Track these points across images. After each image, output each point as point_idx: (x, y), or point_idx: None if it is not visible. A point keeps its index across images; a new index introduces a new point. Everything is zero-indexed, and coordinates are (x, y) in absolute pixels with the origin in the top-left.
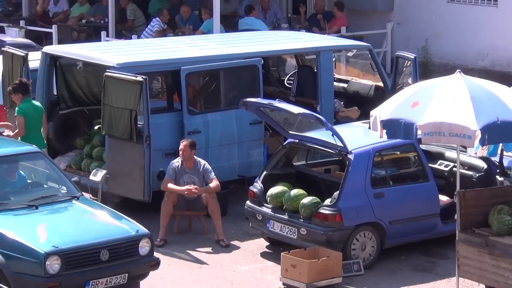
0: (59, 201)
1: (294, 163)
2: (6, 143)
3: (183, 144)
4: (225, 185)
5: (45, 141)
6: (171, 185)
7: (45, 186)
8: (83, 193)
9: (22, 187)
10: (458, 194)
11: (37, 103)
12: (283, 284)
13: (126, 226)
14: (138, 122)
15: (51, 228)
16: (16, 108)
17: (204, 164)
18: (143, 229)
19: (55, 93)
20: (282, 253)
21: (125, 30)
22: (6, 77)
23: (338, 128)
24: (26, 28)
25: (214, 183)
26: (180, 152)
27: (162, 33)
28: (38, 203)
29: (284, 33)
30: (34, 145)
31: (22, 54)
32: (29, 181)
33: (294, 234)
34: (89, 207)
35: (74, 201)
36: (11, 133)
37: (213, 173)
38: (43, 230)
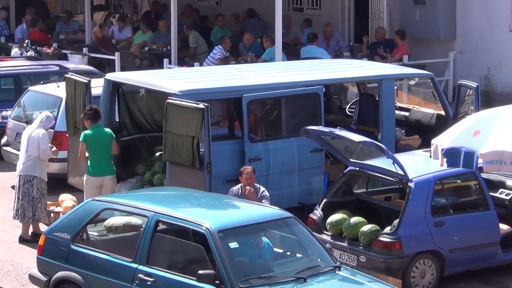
0: (324, 272)
1: (354, 191)
2: (255, 209)
3: (247, 171)
4: None
5: (114, 167)
6: None
7: (301, 254)
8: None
9: (280, 256)
10: None
11: (107, 129)
12: None
13: None
14: (200, 149)
15: None
16: (81, 134)
17: (264, 191)
18: None
19: (117, 119)
20: None
21: (187, 58)
22: (69, 103)
23: (399, 156)
24: (89, 55)
25: None
26: (246, 179)
27: (224, 61)
28: (305, 275)
29: (346, 61)
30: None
31: (85, 81)
32: (282, 249)
33: (353, 262)
34: (358, 279)
35: (338, 272)
36: (54, 148)
37: (269, 201)
38: None
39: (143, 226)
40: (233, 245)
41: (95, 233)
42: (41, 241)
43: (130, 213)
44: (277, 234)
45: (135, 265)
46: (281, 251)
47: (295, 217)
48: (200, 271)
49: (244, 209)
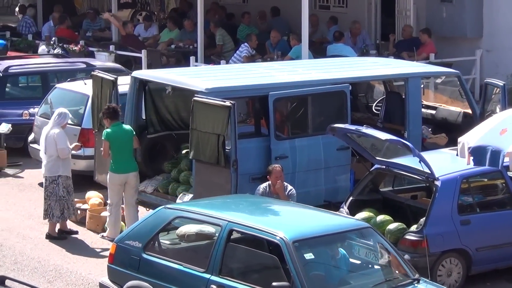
0: (402, 285)
1: (381, 189)
2: (331, 218)
3: (276, 169)
4: None
5: (136, 164)
6: None
7: (378, 266)
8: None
9: (357, 268)
10: None
11: (127, 126)
12: None
13: None
14: (226, 147)
15: None
16: (103, 132)
17: (291, 190)
18: None
19: (143, 117)
20: None
21: (214, 55)
22: (96, 101)
23: (426, 155)
24: (116, 52)
25: None
26: (276, 178)
27: (250, 59)
28: None
29: (372, 59)
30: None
31: (112, 79)
32: (358, 261)
33: None
34: None
35: (416, 284)
36: (74, 144)
37: (295, 199)
38: None
39: (216, 235)
40: (309, 256)
41: (167, 242)
42: (112, 249)
43: (203, 222)
44: (353, 244)
45: (207, 276)
46: (358, 262)
47: (372, 227)
48: (274, 283)
49: (320, 218)
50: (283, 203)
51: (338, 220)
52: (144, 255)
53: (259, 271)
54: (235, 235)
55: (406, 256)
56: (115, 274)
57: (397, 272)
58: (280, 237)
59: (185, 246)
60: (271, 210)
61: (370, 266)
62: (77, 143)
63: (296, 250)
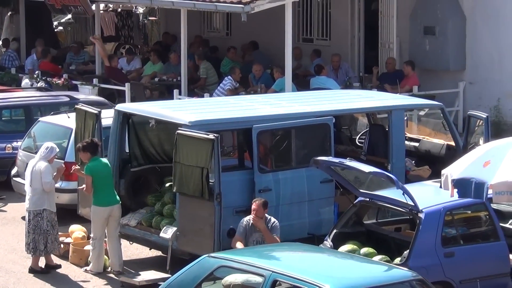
0: None
1: (364, 222)
2: (380, 269)
3: (256, 203)
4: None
5: (118, 197)
6: (239, 245)
7: None
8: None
9: None
10: None
11: (105, 160)
12: None
13: None
14: (210, 180)
15: None
16: (85, 167)
17: (274, 222)
18: None
19: (127, 150)
20: None
21: (197, 89)
22: (79, 134)
23: (409, 187)
24: (99, 86)
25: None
26: (253, 212)
27: (234, 92)
28: None
29: (355, 92)
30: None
31: (95, 112)
32: None
33: None
34: None
35: None
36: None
37: (278, 232)
38: None
39: (262, 285)
40: None
41: None
42: None
43: (246, 271)
44: None
45: None
46: None
47: (425, 279)
48: None
49: (367, 268)
50: (329, 251)
51: (388, 270)
52: None
53: None
54: (279, 285)
55: None
56: None
57: None
58: None
59: None
60: (318, 259)
61: None
62: (62, 165)
63: None
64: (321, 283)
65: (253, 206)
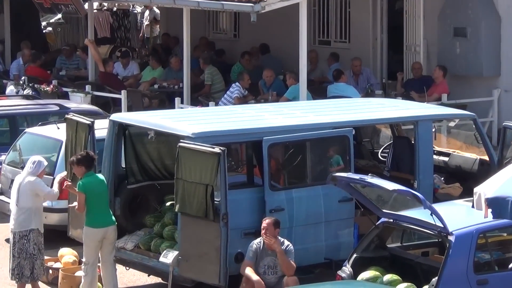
0: None
1: (388, 245)
2: None
3: (266, 222)
4: (310, 269)
5: (113, 218)
6: (249, 271)
7: None
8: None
9: None
10: None
11: (100, 176)
12: None
13: None
14: (215, 199)
15: None
16: (78, 183)
17: (288, 245)
18: None
19: (123, 165)
20: None
21: (201, 96)
22: (70, 147)
23: (438, 207)
24: (93, 93)
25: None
26: (263, 231)
27: (242, 100)
28: None
29: (378, 101)
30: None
31: (88, 122)
32: None
33: None
34: None
35: None
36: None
37: (293, 256)
38: None
39: None
40: None
41: None
42: None
43: None
44: None
45: None
46: None
47: None
48: None
49: None
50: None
51: None
52: None
53: None
54: None
55: None
56: None
57: None
58: None
59: None
60: None
61: None
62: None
63: None
64: None
65: (263, 224)
